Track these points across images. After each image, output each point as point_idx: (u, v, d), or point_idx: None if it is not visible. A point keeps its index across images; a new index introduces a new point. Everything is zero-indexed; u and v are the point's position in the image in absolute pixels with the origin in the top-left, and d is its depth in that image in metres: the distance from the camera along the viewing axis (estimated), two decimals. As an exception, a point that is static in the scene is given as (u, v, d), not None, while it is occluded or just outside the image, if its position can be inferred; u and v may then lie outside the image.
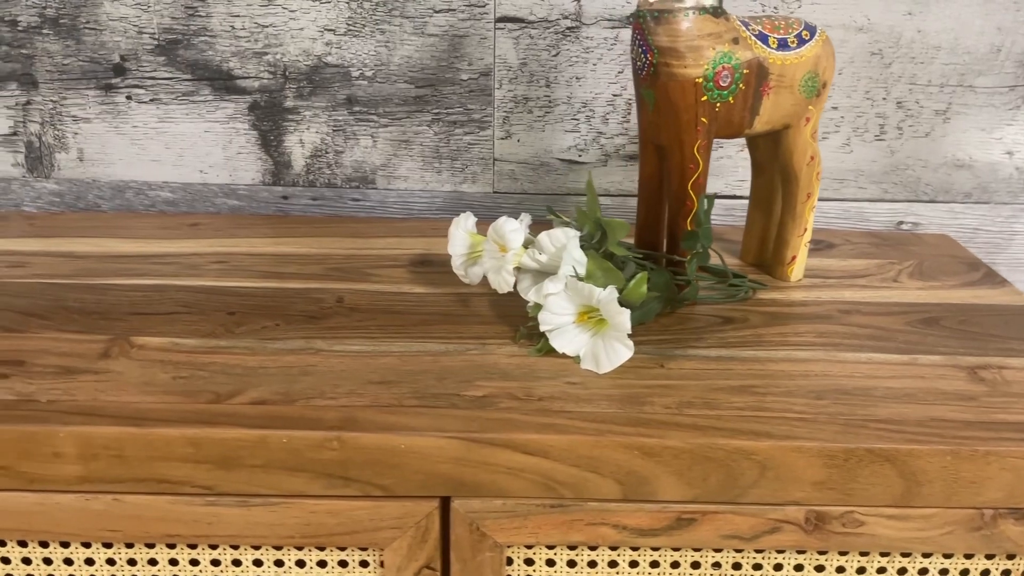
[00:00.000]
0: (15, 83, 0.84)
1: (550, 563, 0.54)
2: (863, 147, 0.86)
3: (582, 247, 0.59)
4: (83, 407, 0.51)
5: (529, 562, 0.54)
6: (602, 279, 0.57)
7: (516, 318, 0.63)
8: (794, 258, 0.71)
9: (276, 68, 0.83)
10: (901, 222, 0.88)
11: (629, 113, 0.84)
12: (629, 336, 0.55)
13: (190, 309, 0.64)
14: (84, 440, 0.49)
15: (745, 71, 0.61)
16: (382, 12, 0.81)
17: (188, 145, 0.86)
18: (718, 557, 0.54)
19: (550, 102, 0.84)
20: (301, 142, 0.86)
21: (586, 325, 0.58)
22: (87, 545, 0.53)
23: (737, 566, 0.54)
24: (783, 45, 0.63)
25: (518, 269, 0.62)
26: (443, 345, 0.59)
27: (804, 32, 0.64)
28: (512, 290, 0.61)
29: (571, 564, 0.54)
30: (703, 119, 0.61)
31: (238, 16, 0.82)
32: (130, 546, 0.53)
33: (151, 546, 0.53)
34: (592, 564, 0.54)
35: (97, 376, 0.54)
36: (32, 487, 0.50)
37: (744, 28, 0.61)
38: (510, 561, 0.53)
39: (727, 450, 0.49)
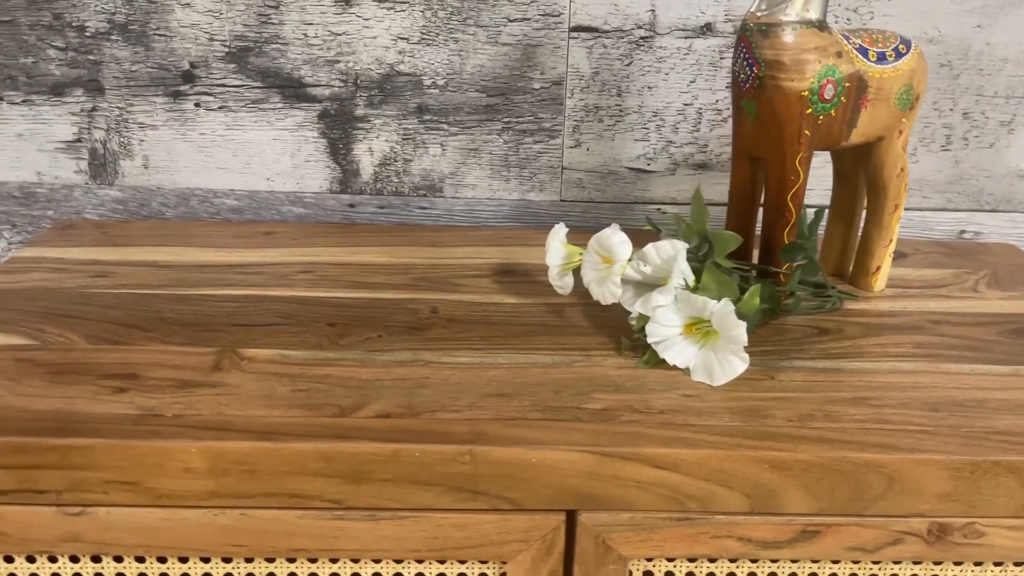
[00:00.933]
0: (81, 89, 0.84)
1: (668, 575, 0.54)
2: (929, 157, 0.86)
3: (688, 259, 0.60)
4: (210, 422, 0.50)
5: (648, 574, 0.54)
6: (716, 291, 0.57)
7: (614, 329, 0.64)
8: (879, 268, 0.71)
9: (348, 76, 0.83)
10: (963, 231, 0.89)
11: (699, 123, 0.85)
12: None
13: (289, 320, 0.63)
14: (216, 455, 0.48)
15: (847, 84, 0.61)
16: (456, 21, 0.81)
17: (256, 153, 0.86)
18: (835, 568, 0.54)
19: (620, 111, 0.84)
20: (370, 150, 0.86)
21: (694, 337, 0.58)
22: (206, 560, 0.52)
23: (853, 577, 0.55)
24: (881, 58, 0.63)
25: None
26: (549, 357, 0.59)
27: (901, 46, 0.64)
28: (616, 301, 0.61)
29: (689, 576, 0.54)
30: (806, 131, 0.61)
31: (311, 24, 0.81)
32: (249, 560, 0.52)
33: (271, 560, 0.53)
34: (710, 576, 0.54)
35: (216, 390, 0.54)
36: (159, 503, 0.49)
37: (845, 41, 0.62)
38: (630, 574, 0.53)
39: (856, 463, 0.50)
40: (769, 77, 0.60)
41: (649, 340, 0.58)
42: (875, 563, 0.54)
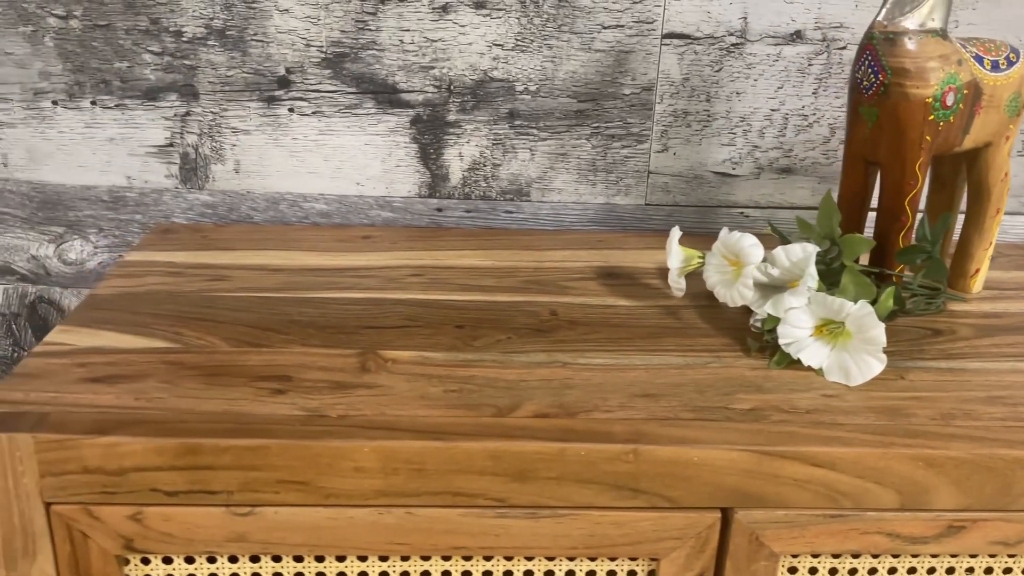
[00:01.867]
0: (175, 94, 0.84)
1: (812, 571, 0.55)
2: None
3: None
4: (376, 422, 0.51)
5: (792, 570, 0.55)
6: (853, 293, 0.58)
7: (732, 330, 0.65)
8: (977, 271, 0.73)
9: (442, 82, 0.84)
10: (1037, 234, 0.91)
11: (785, 128, 0.86)
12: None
13: (416, 323, 0.64)
14: (388, 454, 0.49)
15: (965, 92, 0.63)
16: (551, 28, 0.83)
17: (347, 157, 0.87)
18: (972, 563, 0.56)
19: (708, 116, 0.86)
20: (460, 155, 0.87)
21: (824, 338, 0.60)
22: (363, 559, 0.53)
23: (989, 570, 0.56)
24: (995, 66, 0.65)
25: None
26: (680, 358, 0.61)
27: (1011, 54, 0.66)
28: (742, 304, 0.63)
29: (832, 572, 0.55)
30: (927, 137, 0.62)
31: (408, 30, 0.82)
32: (405, 559, 0.53)
33: (426, 559, 0.53)
34: (852, 572, 0.55)
35: (371, 391, 0.54)
36: (327, 502, 0.50)
37: (963, 50, 0.63)
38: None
39: (1007, 460, 0.51)
40: (895, 84, 0.61)
41: (781, 342, 0.60)
42: (1010, 556, 0.56)
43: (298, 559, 0.53)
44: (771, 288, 0.63)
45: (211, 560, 0.53)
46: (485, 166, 0.87)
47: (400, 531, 0.51)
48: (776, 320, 0.60)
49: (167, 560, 0.52)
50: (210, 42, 0.83)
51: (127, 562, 0.52)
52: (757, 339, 0.63)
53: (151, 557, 0.52)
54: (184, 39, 0.83)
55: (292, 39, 0.83)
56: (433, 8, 0.82)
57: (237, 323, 0.63)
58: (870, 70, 0.62)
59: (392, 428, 0.50)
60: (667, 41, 0.83)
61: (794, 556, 0.54)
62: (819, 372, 0.59)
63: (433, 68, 0.84)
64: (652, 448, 0.50)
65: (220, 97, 0.85)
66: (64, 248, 0.90)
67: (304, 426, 0.50)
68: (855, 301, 0.57)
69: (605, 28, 0.83)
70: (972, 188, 0.71)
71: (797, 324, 0.59)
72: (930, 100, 0.61)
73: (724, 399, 0.55)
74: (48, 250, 0.90)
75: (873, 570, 0.55)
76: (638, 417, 0.53)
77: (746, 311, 0.67)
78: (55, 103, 0.85)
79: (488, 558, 0.54)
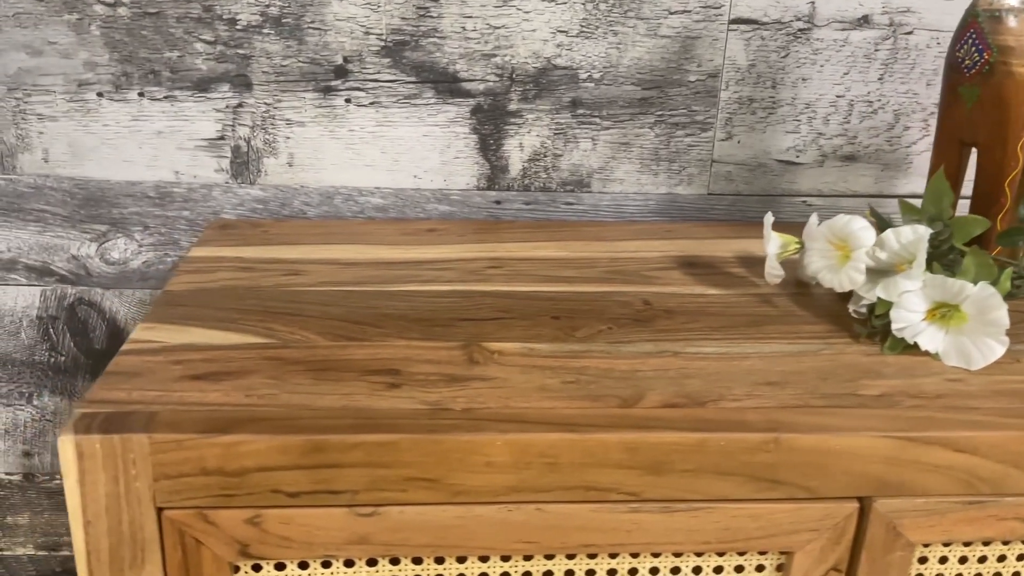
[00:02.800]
0: (227, 85, 0.81)
1: (943, 560, 0.54)
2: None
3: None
4: (503, 414, 0.49)
5: (923, 560, 0.53)
6: (974, 274, 0.57)
7: (830, 315, 0.63)
8: (1063, 254, 0.72)
9: (504, 70, 0.82)
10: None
11: (850, 114, 0.85)
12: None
13: (510, 314, 0.62)
14: (521, 448, 0.47)
15: (1066, 70, 0.62)
16: (617, 13, 0.81)
17: (405, 149, 0.84)
18: (1102, 548, 0.54)
19: (774, 103, 0.84)
20: (520, 146, 0.85)
21: (938, 322, 0.58)
22: (484, 559, 0.51)
23: (1117, 557, 0.55)
24: (1092, 45, 0.64)
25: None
26: (791, 346, 0.59)
27: (1107, 32, 0.65)
28: (850, 288, 0.61)
29: (962, 560, 0.54)
30: (1030, 117, 0.62)
31: (470, 17, 0.80)
32: (528, 558, 0.51)
33: (549, 557, 0.51)
34: (982, 559, 0.54)
35: (487, 383, 0.52)
36: (455, 500, 0.48)
37: (1063, 28, 0.63)
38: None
39: None
40: (1000, 63, 0.60)
41: (894, 326, 0.58)
42: None
43: (416, 561, 0.50)
44: (876, 273, 0.61)
45: (326, 565, 0.50)
46: (546, 156, 0.85)
47: (529, 529, 0.49)
48: (887, 304, 0.59)
49: (279, 566, 0.50)
50: (265, 30, 0.80)
51: (237, 569, 0.49)
52: (863, 324, 0.61)
53: (263, 563, 0.49)
54: (238, 27, 0.80)
55: (351, 27, 0.80)
56: (497, -6, 0.80)
57: (327, 317, 0.60)
58: (973, 48, 0.61)
59: (522, 420, 0.48)
60: (734, 26, 0.82)
61: (925, 545, 0.53)
62: (935, 356, 0.58)
63: (495, 56, 0.82)
64: (793, 437, 0.48)
65: (274, 88, 0.82)
66: (107, 247, 0.87)
67: (431, 420, 0.48)
68: (974, 283, 0.56)
69: (672, 13, 0.81)
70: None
71: (911, 308, 0.58)
72: (1036, 78, 0.60)
73: (849, 385, 0.54)
74: (90, 249, 0.87)
75: (1003, 557, 0.54)
76: (769, 405, 0.51)
77: (839, 297, 0.66)
78: (100, 95, 0.82)
79: (614, 555, 0.51)
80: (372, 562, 0.50)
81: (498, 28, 0.81)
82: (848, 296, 0.65)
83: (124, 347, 0.55)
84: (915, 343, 0.58)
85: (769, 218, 0.65)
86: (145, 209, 0.85)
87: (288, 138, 0.83)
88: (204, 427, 0.46)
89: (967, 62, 0.62)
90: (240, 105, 0.82)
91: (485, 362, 0.55)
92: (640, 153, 0.86)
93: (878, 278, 0.61)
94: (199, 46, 0.80)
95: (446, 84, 0.82)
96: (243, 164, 0.84)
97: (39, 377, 0.91)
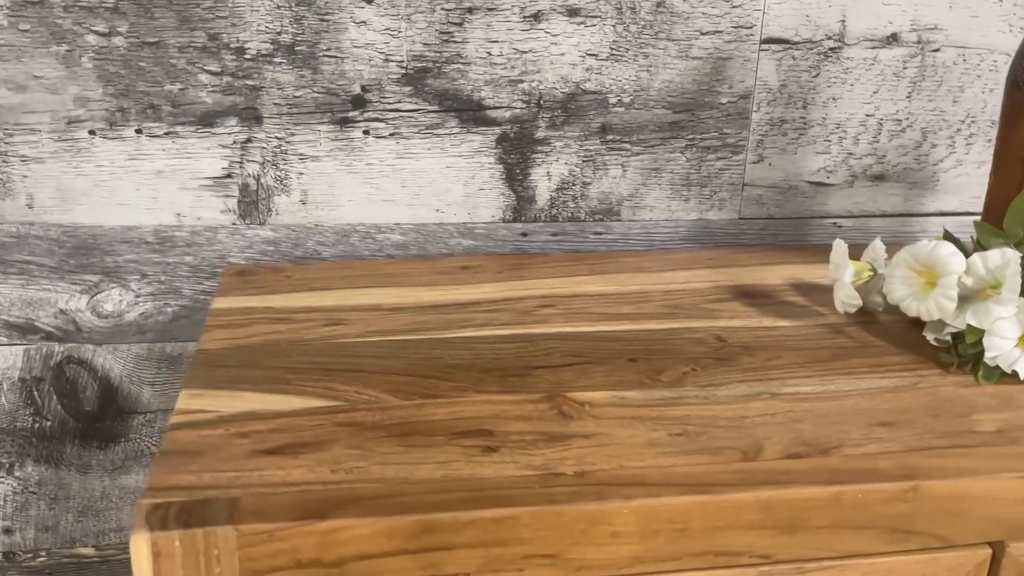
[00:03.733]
0: (235, 119, 0.75)
1: (1067, 602, 0.51)
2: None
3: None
4: (623, 477, 0.44)
5: (1048, 603, 0.51)
6: (1074, 299, 0.55)
7: (911, 346, 0.60)
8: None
9: (531, 97, 0.78)
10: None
11: (879, 133, 0.83)
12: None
13: (584, 359, 0.57)
14: (649, 514, 0.42)
15: None
16: (648, 35, 0.77)
17: (427, 183, 0.79)
18: None
19: (805, 124, 0.82)
20: (548, 175, 0.81)
21: (1032, 348, 0.56)
22: (596, 636, 0.46)
23: None
24: None
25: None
26: (885, 380, 0.56)
27: None
28: (938, 317, 0.58)
29: (1086, 600, 0.51)
30: (1101, 133, 0.60)
31: (496, 42, 0.76)
32: (644, 632, 0.46)
33: (667, 629, 0.47)
34: (1106, 598, 0.51)
35: (589, 440, 0.47)
36: (578, 575, 0.43)
37: None
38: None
39: None
40: (1074, 78, 0.59)
41: (988, 355, 0.56)
42: None
43: (526, 645, 0.45)
44: (960, 299, 0.59)
45: (425, 657, 0.45)
46: (574, 185, 0.81)
47: (654, 602, 0.45)
48: (977, 332, 0.56)
49: (375, 662, 0.44)
50: (276, 59, 0.74)
51: (328, 672, 0.43)
52: (948, 352, 0.59)
53: (355, 660, 0.44)
54: (247, 56, 0.74)
55: (369, 54, 0.75)
56: (524, 17, 0.76)
57: (390, 372, 0.55)
58: (1046, 65, 0.60)
59: (644, 483, 0.44)
60: (765, 46, 0.80)
61: (1050, 587, 0.50)
62: (1031, 384, 0.56)
63: (522, 82, 0.77)
64: (931, 484, 0.45)
65: (286, 120, 0.76)
66: (99, 299, 0.79)
67: (546, 488, 0.43)
68: (1075, 307, 0.54)
69: (703, 34, 0.78)
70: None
71: (1005, 335, 0.56)
72: (1109, 94, 0.59)
73: (964, 422, 0.51)
74: (80, 302, 0.79)
75: (1125, 595, 0.52)
76: (895, 450, 0.48)
77: (912, 324, 0.63)
78: (92, 133, 0.74)
79: (735, 622, 0.47)
80: (477, 650, 0.45)
81: (525, 53, 0.77)
82: (921, 323, 0.63)
83: (174, 420, 0.48)
84: (1013, 371, 0.56)
85: (841, 245, 0.63)
86: (143, 256, 0.78)
87: (301, 174, 0.78)
88: (297, 513, 0.40)
89: (1038, 77, 0.60)
90: (249, 140, 0.76)
91: (579, 416, 0.50)
92: (671, 179, 0.83)
93: (962, 304, 0.58)
94: (204, 77, 0.74)
95: (470, 112, 0.78)
96: (252, 203, 0.78)
97: (21, 445, 0.83)
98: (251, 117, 0.75)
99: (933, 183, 0.87)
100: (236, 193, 0.77)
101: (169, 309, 0.80)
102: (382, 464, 0.44)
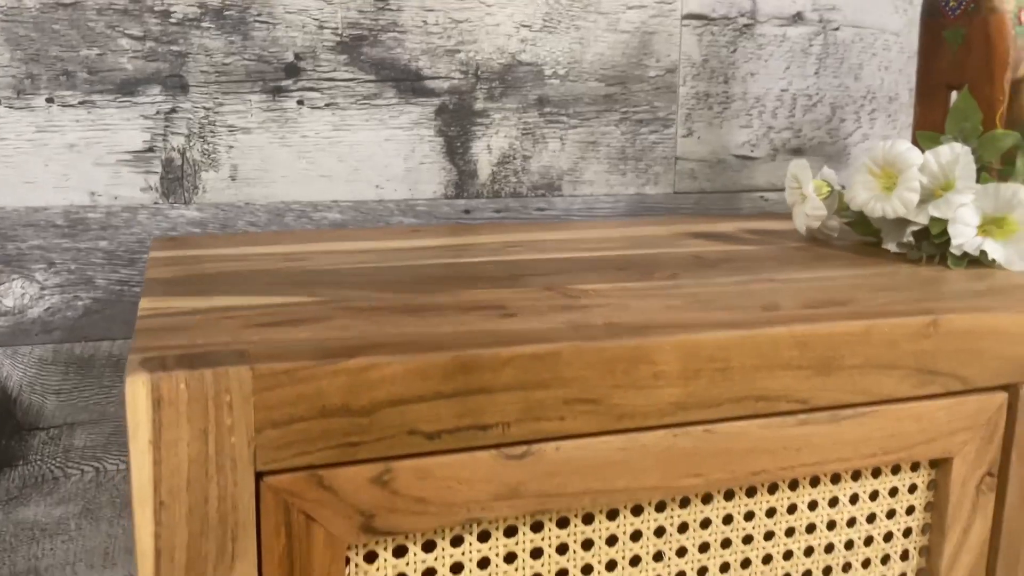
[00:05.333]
0: (159, 87, 0.70)
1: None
2: None
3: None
4: (658, 322, 0.41)
5: (1055, 460, 0.51)
6: (1024, 177, 0.58)
7: (877, 255, 0.61)
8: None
9: (468, 67, 0.77)
10: None
11: (794, 108, 0.88)
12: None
13: (576, 268, 0.55)
14: (689, 351, 0.40)
15: (1030, 12, 0.67)
16: (578, 7, 0.79)
17: (365, 156, 0.76)
18: None
19: (727, 98, 0.86)
20: (488, 148, 0.79)
21: (991, 236, 0.58)
22: (636, 512, 0.42)
23: None
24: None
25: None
26: (871, 270, 0.56)
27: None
28: (902, 214, 0.60)
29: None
30: (1012, 52, 0.66)
31: (432, 10, 0.76)
32: (684, 506, 0.43)
33: (707, 502, 0.43)
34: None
35: (607, 308, 0.45)
36: (620, 426, 0.39)
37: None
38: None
39: None
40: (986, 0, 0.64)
41: (955, 242, 0.58)
42: None
43: (562, 524, 0.41)
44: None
45: (456, 543, 0.39)
46: (515, 159, 0.81)
47: (696, 458, 0.41)
48: (941, 223, 0.58)
49: (399, 551, 0.38)
50: (204, 24, 0.71)
51: (347, 562, 0.37)
52: (916, 250, 0.60)
53: (378, 551, 0.38)
54: (172, 20, 0.70)
55: (303, 20, 0.73)
56: (459, -14, 0.76)
57: (374, 283, 0.50)
58: (959, -11, 0.65)
59: (679, 325, 0.41)
60: (686, 22, 0.83)
61: (1058, 442, 0.51)
62: (995, 265, 0.58)
63: (459, 51, 0.77)
64: (950, 317, 0.45)
65: (215, 89, 0.72)
66: (-3, 293, 0.70)
67: (580, 331, 0.40)
68: (1026, 185, 0.57)
69: (629, 8, 0.81)
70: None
71: (967, 222, 0.58)
72: (1011, 15, 0.65)
73: (954, 285, 0.52)
74: (-26, 298, 0.70)
75: (1118, 450, 0.53)
76: (905, 299, 0.48)
77: (872, 246, 0.65)
78: (-4, 104, 0.68)
79: (772, 490, 0.45)
80: (511, 530, 0.40)
81: (461, 22, 0.77)
82: (878, 243, 0.64)
83: (142, 313, 0.42)
84: (980, 253, 0.58)
85: (803, 161, 0.64)
86: (50, 241, 0.71)
87: (231, 147, 0.73)
88: (324, 352, 0.35)
89: (951, 4, 0.66)
90: (173, 110, 0.71)
91: (587, 296, 0.47)
92: (608, 152, 0.83)
93: (920, 206, 0.61)
94: (124, 42, 0.69)
95: (408, 83, 0.77)
96: (176, 180, 0.72)
97: None
98: (176, 85, 0.71)
99: (845, 156, 0.92)
100: (159, 169, 0.72)
101: (80, 303, 0.72)
102: (398, 328, 0.40)
